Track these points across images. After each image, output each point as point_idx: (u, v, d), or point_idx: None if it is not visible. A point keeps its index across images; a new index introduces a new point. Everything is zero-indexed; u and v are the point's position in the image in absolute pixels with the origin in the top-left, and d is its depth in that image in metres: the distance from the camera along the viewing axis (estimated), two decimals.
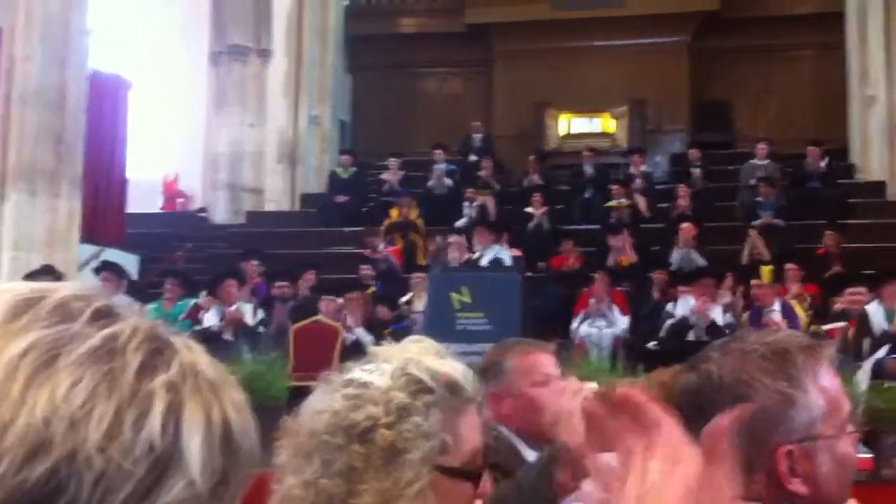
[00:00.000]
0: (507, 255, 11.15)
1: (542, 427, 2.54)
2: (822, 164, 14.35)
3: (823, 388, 1.25)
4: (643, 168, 15.05)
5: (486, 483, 1.49)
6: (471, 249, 11.45)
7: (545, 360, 2.67)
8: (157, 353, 0.64)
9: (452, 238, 11.27)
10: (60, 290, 0.65)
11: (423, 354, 1.45)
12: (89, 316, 0.63)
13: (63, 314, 0.63)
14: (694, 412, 1.33)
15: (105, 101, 13.20)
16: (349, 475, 1.29)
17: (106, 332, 0.63)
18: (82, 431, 0.59)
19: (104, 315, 0.64)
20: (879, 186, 14.78)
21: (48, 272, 9.84)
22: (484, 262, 10.87)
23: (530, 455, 2.53)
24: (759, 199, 13.40)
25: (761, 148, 14.53)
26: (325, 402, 1.37)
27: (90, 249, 12.07)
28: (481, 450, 1.48)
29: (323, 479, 1.28)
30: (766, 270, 10.56)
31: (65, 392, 0.59)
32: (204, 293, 10.39)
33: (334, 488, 1.28)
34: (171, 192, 16.93)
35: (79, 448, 0.58)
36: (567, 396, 2.50)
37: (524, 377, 2.61)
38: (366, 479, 1.31)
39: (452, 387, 1.43)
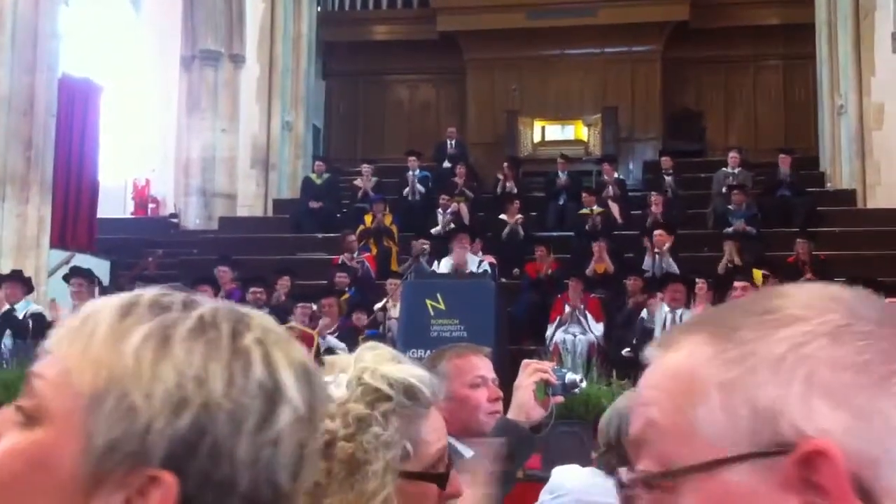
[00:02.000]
0: (486, 263, 11.17)
1: (478, 426, 2.63)
2: (790, 171, 14.48)
3: None
4: (616, 175, 15.12)
5: (456, 481, 1.49)
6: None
7: (478, 363, 2.73)
8: (239, 321, 0.81)
9: (458, 244, 11.13)
10: (147, 293, 0.82)
11: (379, 362, 1.45)
12: (179, 305, 0.81)
13: (160, 307, 0.80)
14: None
15: (76, 105, 13.06)
16: (313, 491, 1.28)
17: (195, 313, 0.80)
18: (207, 385, 0.76)
19: (189, 304, 0.81)
20: (850, 195, 14.94)
21: (17, 277, 9.74)
22: (472, 267, 10.89)
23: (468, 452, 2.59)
24: (731, 206, 13.50)
25: (733, 156, 14.65)
26: None
27: (61, 255, 11.94)
28: (445, 451, 1.48)
29: None
30: (758, 273, 10.56)
31: (185, 360, 0.77)
32: None
33: None
34: (142, 198, 16.80)
35: (209, 398, 0.76)
36: (522, 374, 2.58)
37: (457, 379, 2.66)
38: (330, 493, 1.31)
39: (410, 392, 1.43)
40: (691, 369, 0.70)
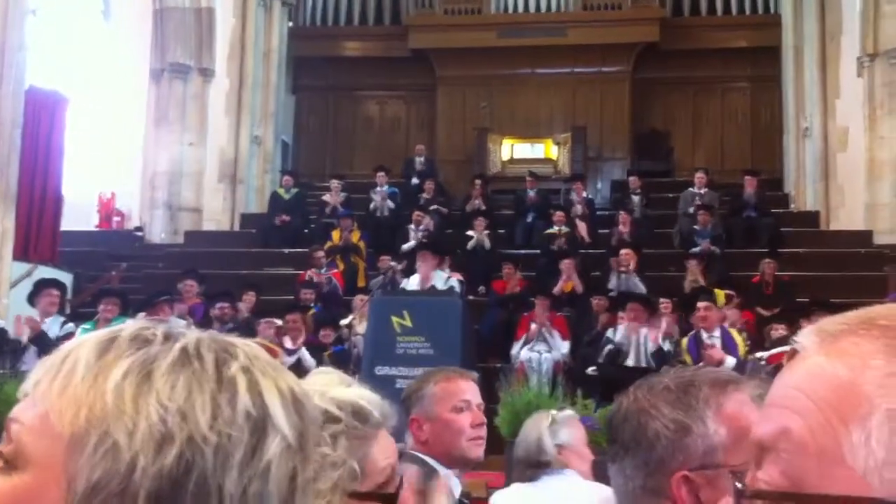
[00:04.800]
0: (454, 280, 11.16)
1: (460, 451, 2.67)
2: (755, 193, 14.62)
3: (729, 419, 1.26)
4: (584, 194, 15.19)
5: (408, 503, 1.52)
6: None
7: (465, 387, 2.76)
8: (223, 350, 0.79)
9: (422, 260, 11.12)
10: (128, 327, 0.80)
11: (329, 385, 1.48)
12: (161, 338, 0.79)
13: (141, 341, 0.78)
14: (609, 441, 1.37)
15: (42, 116, 12.93)
16: None
17: (178, 344, 0.78)
18: (192, 418, 0.74)
19: (171, 335, 0.79)
20: (813, 217, 15.11)
21: None
22: (439, 284, 10.89)
23: (451, 478, 2.60)
24: (697, 226, 13.61)
25: (700, 177, 14.77)
26: None
27: (23, 267, 11.78)
28: (395, 472, 1.51)
29: None
30: (720, 294, 10.62)
31: (168, 394, 0.75)
32: (142, 315, 10.16)
33: None
34: (107, 210, 16.63)
35: (194, 431, 0.74)
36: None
37: (442, 402, 2.69)
38: None
39: (359, 414, 1.46)
40: (854, 384, 0.59)
